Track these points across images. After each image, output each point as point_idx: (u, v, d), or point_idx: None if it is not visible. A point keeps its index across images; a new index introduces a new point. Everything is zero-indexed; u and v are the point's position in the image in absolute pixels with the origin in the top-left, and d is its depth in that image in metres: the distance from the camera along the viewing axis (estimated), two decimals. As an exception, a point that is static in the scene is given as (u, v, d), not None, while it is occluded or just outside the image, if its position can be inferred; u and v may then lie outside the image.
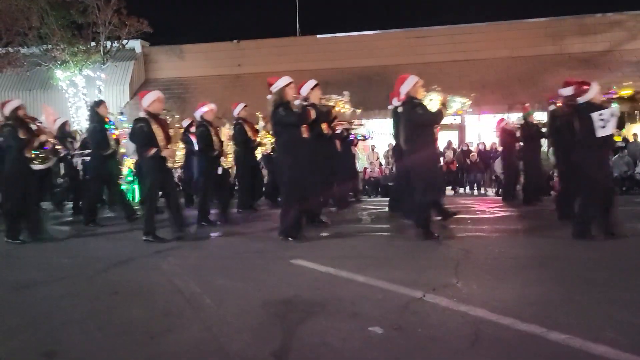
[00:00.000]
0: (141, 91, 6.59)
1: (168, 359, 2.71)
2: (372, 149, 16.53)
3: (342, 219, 7.80)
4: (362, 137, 11.25)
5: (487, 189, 14.48)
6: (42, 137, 6.49)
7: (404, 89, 5.98)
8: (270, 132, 9.24)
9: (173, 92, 20.32)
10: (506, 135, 10.48)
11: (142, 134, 6.11)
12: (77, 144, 9.87)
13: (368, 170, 15.46)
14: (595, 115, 5.41)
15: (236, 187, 10.28)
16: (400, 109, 6.32)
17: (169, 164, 6.29)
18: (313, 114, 6.03)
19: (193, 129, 8.25)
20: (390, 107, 7.85)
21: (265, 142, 9.56)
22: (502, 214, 8.45)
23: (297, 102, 6.08)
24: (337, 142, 7.36)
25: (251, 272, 4.55)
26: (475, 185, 14.63)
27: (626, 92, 7.40)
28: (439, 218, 6.90)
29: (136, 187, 11.31)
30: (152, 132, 6.08)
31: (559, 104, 7.05)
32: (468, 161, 14.81)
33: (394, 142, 16.63)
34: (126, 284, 4.28)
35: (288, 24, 46.52)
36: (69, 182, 10.33)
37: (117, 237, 6.90)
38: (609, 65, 18.05)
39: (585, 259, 4.74)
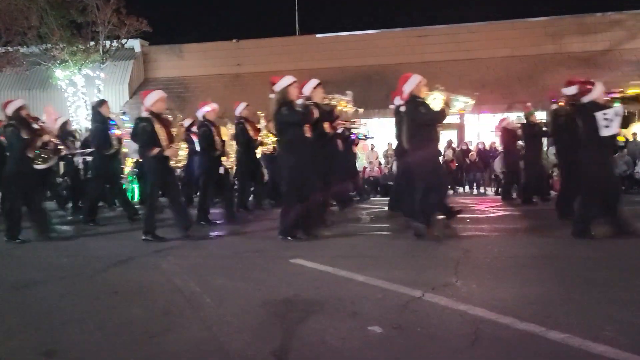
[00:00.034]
0: (143, 91, 6.58)
1: (168, 359, 2.71)
2: (372, 148, 16.53)
3: (342, 219, 7.80)
4: (363, 137, 11.23)
5: (487, 188, 14.49)
6: (45, 137, 6.50)
7: (407, 88, 5.96)
8: (272, 131, 9.28)
9: (172, 91, 20.30)
10: (507, 134, 10.48)
11: (144, 134, 6.12)
12: (78, 143, 9.87)
13: (367, 169, 15.46)
14: (599, 115, 5.40)
15: (235, 187, 10.26)
16: (402, 108, 6.31)
17: (172, 163, 6.29)
18: (316, 113, 6.03)
19: (194, 129, 8.24)
20: (392, 106, 7.84)
21: (267, 142, 9.55)
22: (501, 213, 8.45)
23: (299, 102, 6.07)
24: (339, 142, 7.34)
25: (251, 272, 4.55)
26: (474, 184, 14.64)
27: (633, 91, 7.38)
28: (443, 217, 6.91)
29: (136, 186, 11.29)
30: (154, 132, 6.08)
31: (561, 103, 7.04)
32: (467, 160, 14.82)
33: (394, 142, 16.61)
34: (126, 284, 4.28)
35: (287, 23, 46.45)
36: (69, 182, 10.33)
37: (117, 237, 6.90)
38: (608, 65, 18.05)
39: (584, 259, 4.74)
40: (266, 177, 10.67)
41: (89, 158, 9.22)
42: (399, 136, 7.18)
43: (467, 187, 14.77)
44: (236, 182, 10.01)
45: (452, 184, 14.60)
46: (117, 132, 8.19)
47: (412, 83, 5.95)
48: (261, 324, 3.17)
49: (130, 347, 2.85)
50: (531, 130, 9.59)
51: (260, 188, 9.98)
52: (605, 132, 5.40)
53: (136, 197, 11.21)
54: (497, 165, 14.11)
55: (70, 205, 10.33)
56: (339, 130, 7.10)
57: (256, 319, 3.24)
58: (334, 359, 2.64)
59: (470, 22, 20.45)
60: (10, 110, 6.47)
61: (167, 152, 6.15)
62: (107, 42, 19.69)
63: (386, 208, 8.76)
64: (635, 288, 3.70)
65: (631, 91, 6.57)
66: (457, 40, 20.02)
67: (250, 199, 10.02)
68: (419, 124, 5.89)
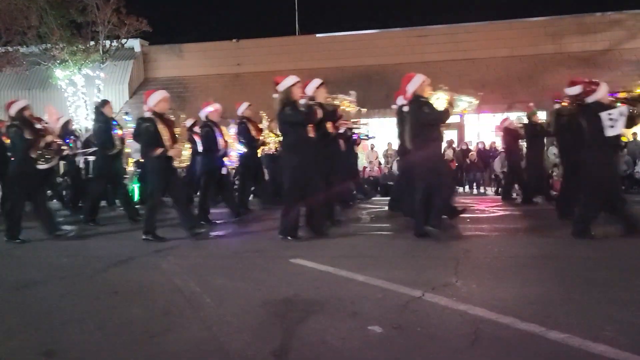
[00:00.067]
0: (146, 91, 6.57)
1: (168, 359, 2.71)
2: (372, 148, 16.52)
3: (343, 219, 7.80)
4: (365, 137, 11.22)
5: (487, 188, 14.49)
6: (48, 138, 6.51)
7: (411, 88, 5.93)
8: (274, 131, 9.29)
9: (172, 91, 20.22)
10: (509, 134, 10.46)
11: (148, 134, 6.11)
12: (79, 143, 9.86)
13: (367, 169, 15.45)
14: (604, 115, 5.40)
15: (235, 186, 10.26)
16: (405, 108, 6.29)
17: (175, 163, 6.28)
18: (320, 113, 6.03)
19: (196, 129, 8.23)
20: (394, 106, 7.84)
21: (269, 142, 9.55)
22: (501, 213, 8.45)
23: (302, 102, 6.07)
24: (341, 142, 7.34)
25: (251, 272, 4.55)
26: (474, 184, 14.64)
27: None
28: (446, 216, 6.92)
29: (136, 186, 11.29)
30: (158, 132, 6.07)
31: (565, 103, 7.04)
32: (468, 160, 14.82)
33: (394, 141, 16.54)
34: (126, 284, 4.28)
35: (287, 23, 46.45)
36: (69, 181, 10.32)
37: (117, 237, 6.90)
38: (608, 64, 18.07)
39: (584, 259, 4.74)
40: (266, 176, 10.67)
41: (91, 158, 9.21)
42: (401, 136, 7.17)
43: (467, 187, 14.77)
44: (236, 182, 10.02)
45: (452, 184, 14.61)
46: (119, 132, 8.19)
47: (416, 83, 5.92)
48: (261, 323, 3.17)
49: (130, 347, 2.85)
50: (533, 130, 9.57)
51: (261, 188, 9.98)
52: (610, 132, 5.40)
53: (136, 197, 11.21)
54: (497, 165, 14.12)
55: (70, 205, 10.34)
56: (341, 130, 7.09)
57: (256, 319, 3.25)
58: (334, 359, 2.64)
59: (469, 22, 20.47)
60: (13, 110, 6.47)
61: (171, 152, 6.15)
62: (107, 42, 19.70)
63: (386, 208, 8.76)
64: (635, 288, 3.71)
65: (639, 91, 6.57)
66: (457, 40, 20.04)
67: (250, 198, 10.01)
68: (422, 123, 5.87)
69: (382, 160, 16.39)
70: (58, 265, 5.19)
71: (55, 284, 4.37)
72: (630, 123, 5.70)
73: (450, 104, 5.97)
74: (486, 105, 15.91)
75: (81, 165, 9.81)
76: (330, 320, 3.14)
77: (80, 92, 19.74)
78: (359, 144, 11.11)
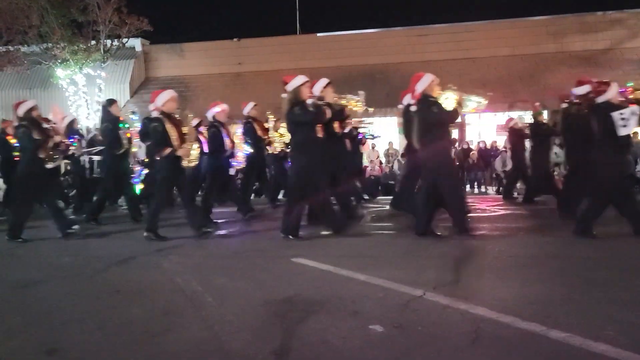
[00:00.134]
0: (149, 90, 6.59)
1: (168, 358, 2.71)
2: (372, 147, 16.51)
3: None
4: (370, 136, 11.21)
5: (488, 187, 14.48)
6: (57, 138, 6.54)
7: (420, 88, 5.90)
8: (279, 131, 9.30)
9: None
10: (514, 134, 10.43)
11: (156, 134, 6.11)
12: (84, 143, 9.86)
13: (368, 168, 15.44)
14: (616, 115, 5.39)
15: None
16: (413, 108, 6.28)
17: (184, 163, 6.28)
18: (329, 113, 6.03)
19: (201, 129, 8.22)
20: (400, 106, 7.84)
21: (274, 141, 9.55)
22: (502, 212, 8.45)
23: (309, 102, 6.06)
24: (347, 141, 7.34)
25: (252, 271, 4.56)
26: (475, 183, 14.62)
27: None
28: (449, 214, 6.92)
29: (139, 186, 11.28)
30: (166, 132, 6.07)
31: (574, 103, 7.03)
32: (470, 160, 14.80)
33: (395, 140, 16.54)
34: (127, 283, 4.28)
35: (288, 22, 46.52)
36: (70, 180, 10.32)
37: (118, 236, 6.90)
38: (609, 64, 18.03)
39: (585, 259, 4.74)
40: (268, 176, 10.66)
41: (96, 158, 9.22)
42: (408, 135, 7.16)
43: (468, 186, 14.75)
44: (240, 180, 10.02)
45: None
46: (127, 131, 8.18)
47: (425, 82, 5.89)
48: (262, 323, 3.17)
49: (130, 346, 2.85)
50: (539, 130, 9.52)
51: (266, 187, 9.98)
52: (623, 132, 5.39)
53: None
54: (498, 164, 14.11)
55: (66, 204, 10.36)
56: (346, 130, 7.10)
57: (257, 318, 3.25)
58: (335, 358, 2.64)
59: (471, 21, 20.43)
60: (21, 111, 6.48)
61: (179, 152, 6.15)
62: (108, 41, 19.69)
63: (387, 207, 8.75)
64: (635, 288, 3.70)
65: None
66: (458, 40, 20.00)
67: (252, 197, 10.01)
68: (431, 123, 5.84)
69: (383, 160, 16.37)
70: (59, 264, 5.20)
71: (56, 283, 4.38)
72: None
73: (459, 103, 5.94)
74: (487, 105, 15.90)
75: (86, 165, 9.80)
76: (331, 319, 3.14)
77: (82, 92, 19.73)
78: (364, 144, 11.12)
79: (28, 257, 5.66)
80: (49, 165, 6.44)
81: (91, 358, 2.76)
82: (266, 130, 9.22)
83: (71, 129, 9.27)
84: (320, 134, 5.99)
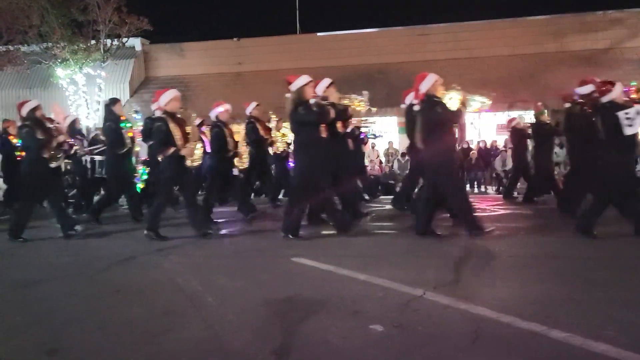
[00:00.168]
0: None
1: (169, 358, 2.71)
2: (372, 147, 16.50)
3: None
4: (372, 136, 11.19)
5: (488, 187, 14.48)
6: (60, 137, 6.54)
7: (424, 87, 5.88)
8: (281, 131, 9.30)
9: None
10: (517, 134, 10.41)
11: (160, 133, 6.11)
12: (86, 142, 9.85)
13: (368, 168, 15.43)
14: (621, 114, 5.39)
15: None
16: (416, 107, 6.28)
17: (187, 162, 6.28)
18: (333, 113, 6.04)
19: (204, 129, 8.21)
20: (403, 105, 7.84)
21: (277, 141, 9.56)
22: (502, 212, 8.44)
23: (311, 101, 6.06)
24: (350, 141, 7.34)
25: (252, 271, 4.56)
26: (475, 183, 14.62)
27: None
28: (449, 215, 6.92)
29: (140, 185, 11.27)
30: (170, 131, 6.06)
31: (578, 102, 7.03)
32: (472, 160, 14.79)
33: (395, 140, 16.54)
34: (127, 283, 4.29)
35: (288, 22, 46.53)
36: (70, 180, 10.30)
37: (119, 236, 6.90)
38: (609, 63, 18.03)
39: (585, 258, 4.74)
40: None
41: (98, 158, 9.21)
42: (411, 135, 7.16)
43: (468, 186, 14.75)
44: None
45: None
46: (130, 130, 8.16)
47: (429, 82, 5.86)
48: (262, 323, 3.17)
49: (131, 346, 2.85)
50: (541, 129, 9.50)
51: (267, 186, 9.98)
52: (628, 131, 5.39)
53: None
54: (498, 164, 14.12)
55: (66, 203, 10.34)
56: (349, 130, 7.10)
57: (257, 318, 3.25)
58: (335, 358, 2.64)
59: (471, 21, 20.43)
60: (25, 111, 6.48)
61: (183, 152, 6.14)
62: (108, 41, 19.69)
63: (387, 207, 8.76)
64: (635, 288, 3.71)
65: None
66: (458, 39, 20.00)
67: (252, 197, 10.02)
68: (434, 123, 5.81)
69: (383, 159, 16.36)
70: (59, 264, 5.20)
71: (57, 283, 4.38)
72: None
73: (463, 103, 5.92)
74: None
75: (88, 165, 9.78)
76: (331, 319, 3.14)
77: (81, 91, 19.74)
78: (366, 143, 11.11)
79: (28, 257, 5.66)
80: (52, 165, 6.44)
81: (91, 358, 2.76)
82: (269, 130, 9.21)
83: (73, 129, 9.26)
84: (324, 134, 6.00)
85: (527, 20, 20.17)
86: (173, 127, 6.10)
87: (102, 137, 9.28)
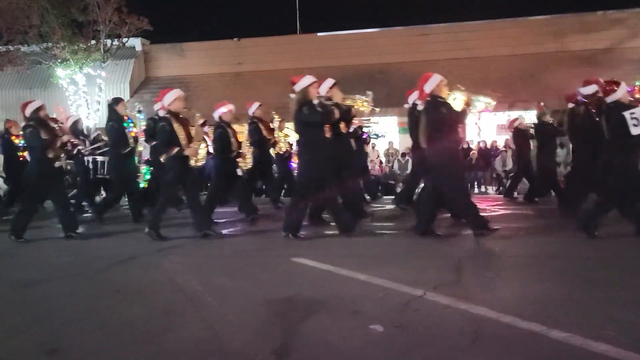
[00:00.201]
0: (162, 90, 6.53)
1: (169, 358, 2.71)
2: (373, 147, 16.49)
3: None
4: (374, 135, 11.19)
5: (488, 187, 14.48)
6: (65, 138, 6.54)
7: (428, 88, 5.87)
8: (283, 131, 9.30)
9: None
10: (519, 134, 10.40)
11: (164, 133, 6.10)
12: (88, 143, 9.85)
13: (368, 168, 15.43)
14: (627, 115, 5.39)
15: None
16: (420, 107, 6.27)
17: (192, 162, 6.27)
18: (337, 113, 6.04)
19: (206, 129, 8.20)
20: (406, 105, 7.85)
21: (280, 141, 9.55)
22: (502, 212, 8.45)
23: (315, 102, 6.06)
24: (352, 141, 7.34)
25: (252, 271, 4.56)
26: (475, 183, 14.63)
27: None
28: (450, 215, 6.92)
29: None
30: (174, 131, 6.06)
31: (579, 103, 7.02)
32: (472, 161, 14.79)
33: (395, 140, 16.53)
34: (127, 283, 4.29)
35: (288, 22, 46.55)
36: (70, 180, 10.30)
37: (119, 236, 6.90)
38: (610, 63, 18.00)
39: (585, 258, 4.74)
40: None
41: (100, 158, 9.21)
42: (414, 134, 7.15)
43: (468, 186, 14.75)
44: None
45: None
46: (133, 130, 8.16)
47: (433, 83, 5.85)
48: (262, 323, 3.17)
49: (131, 346, 2.85)
50: (545, 130, 9.47)
51: (271, 187, 9.98)
52: (635, 131, 5.38)
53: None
54: (498, 164, 14.11)
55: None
56: (351, 129, 7.11)
57: (257, 318, 3.25)
58: (335, 358, 2.64)
59: (471, 21, 20.42)
60: (29, 111, 6.47)
61: (187, 152, 6.14)
62: (108, 41, 19.69)
63: (387, 207, 8.76)
64: (635, 288, 3.70)
65: None
66: (459, 39, 19.99)
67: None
68: (439, 123, 5.80)
69: (383, 159, 16.36)
70: (59, 264, 5.20)
71: (57, 283, 4.38)
72: None
73: (468, 104, 5.92)
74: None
75: (90, 165, 9.79)
76: (331, 319, 3.14)
77: (82, 91, 19.74)
78: (368, 143, 11.11)
79: (28, 257, 5.66)
80: (56, 165, 6.45)
81: (91, 358, 2.76)
82: (272, 130, 9.21)
83: (75, 129, 9.26)
84: (328, 134, 6.00)
85: (527, 20, 20.16)
86: (177, 127, 6.09)
87: (104, 137, 9.30)
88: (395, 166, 14.91)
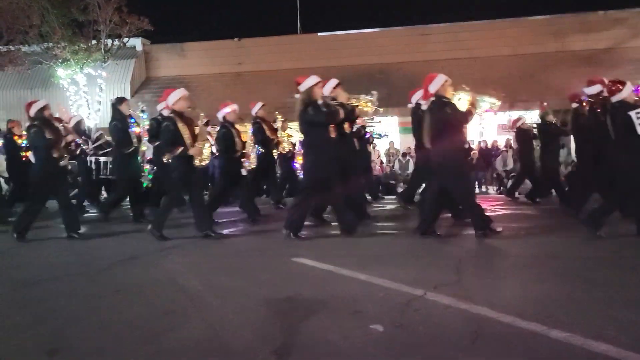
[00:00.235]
0: (166, 89, 6.52)
1: (169, 358, 2.71)
2: (373, 147, 16.48)
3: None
4: (377, 135, 11.19)
5: (489, 187, 14.47)
6: (69, 137, 6.55)
7: (433, 88, 5.87)
8: (286, 131, 9.29)
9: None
10: (522, 134, 10.40)
11: (168, 133, 6.09)
12: (90, 143, 9.85)
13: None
14: (633, 114, 5.38)
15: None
16: (424, 107, 6.26)
17: (196, 162, 6.27)
18: (342, 113, 6.04)
19: (209, 129, 8.20)
20: (410, 105, 7.85)
21: (283, 141, 9.55)
22: (503, 212, 8.44)
23: (319, 102, 6.06)
24: (355, 141, 7.34)
25: (253, 270, 4.56)
26: (476, 183, 14.61)
27: None
28: (451, 215, 6.92)
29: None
30: (178, 131, 6.05)
31: (586, 102, 7.02)
32: (473, 161, 14.77)
33: (396, 140, 16.53)
34: (128, 283, 4.29)
35: (289, 22, 46.59)
36: (72, 180, 10.30)
37: (120, 236, 6.90)
38: (610, 63, 17.97)
39: (585, 258, 4.74)
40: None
41: (102, 158, 9.21)
42: (418, 134, 7.15)
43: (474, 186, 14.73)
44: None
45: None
46: (136, 129, 8.15)
47: (438, 83, 5.85)
48: (263, 322, 3.17)
49: (132, 345, 2.85)
50: (549, 130, 9.45)
51: (274, 187, 9.99)
52: None
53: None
54: (499, 164, 14.11)
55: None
56: (354, 129, 7.11)
57: (258, 318, 3.25)
58: (336, 358, 2.64)
59: (471, 21, 20.41)
60: (33, 111, 6.47)
61: (191, 151, 6.13)
62: (109, 41, 19.69)
63: (387, 207, 8.76)
64: (635, 288, 3.71)
65: None
66: (459, 39, 19.97)
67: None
68: (444, 123, 5.78)
69: (384, 159, 16.36)
70: (60, 264, 5.20)
71: (57, 283, 4.38)
72: None
73: (472, 104, 5.90)
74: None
75: (93, 165, 9.79)
76: (332, 319, 3.14)
77: (82, 92, 19.74)
78: (371, 143, 11.10)
79: (28, 257, 5.67)
80: (61, 164, 6.46)
81: (92, 358, 2.77)
82: (275, 130, 9.21)
83: (78, 130, 9.25)
84: (332, 134, 6.00)
85: (527, 20, 20.15)
86: (181, 126, 6.09)
87: (106, 137, 9.30)
88: (396, 166, 14.91)
